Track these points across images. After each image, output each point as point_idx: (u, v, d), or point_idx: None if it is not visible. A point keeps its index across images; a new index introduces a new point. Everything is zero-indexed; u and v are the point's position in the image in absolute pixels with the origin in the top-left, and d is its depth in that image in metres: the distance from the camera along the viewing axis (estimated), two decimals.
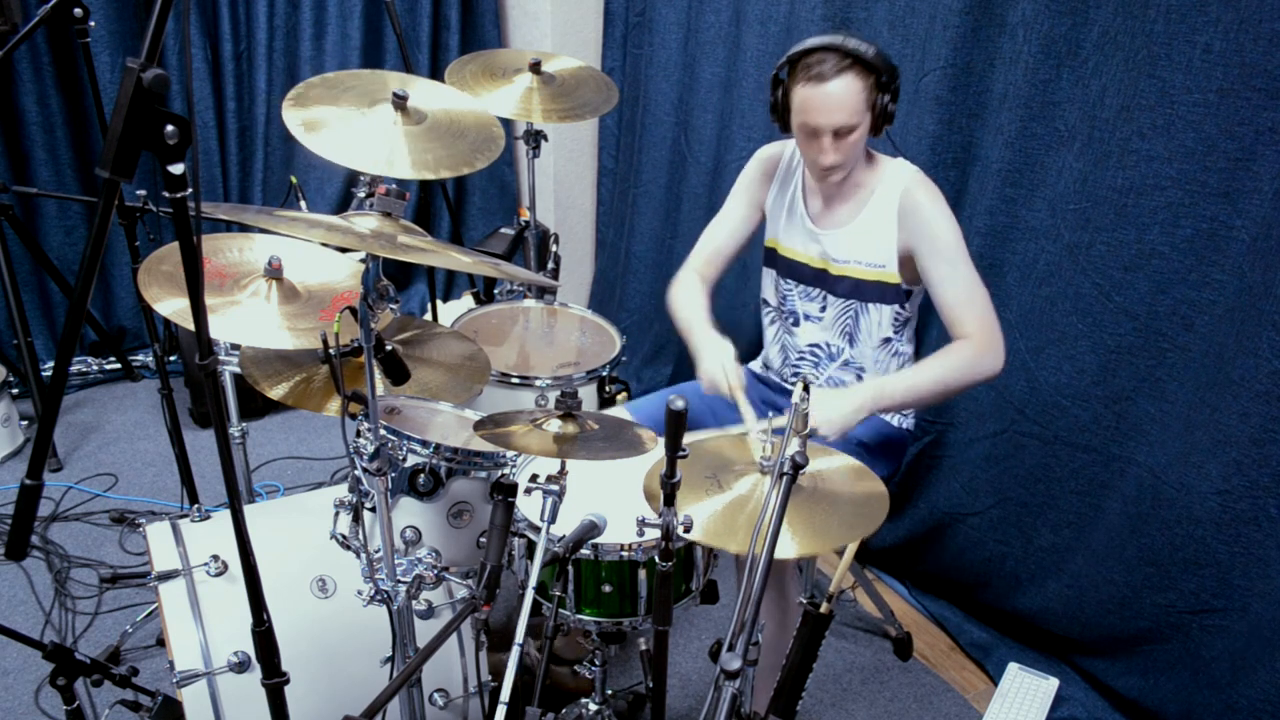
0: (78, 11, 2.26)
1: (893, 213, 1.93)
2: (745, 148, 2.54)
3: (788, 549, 1.36)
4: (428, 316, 3.19)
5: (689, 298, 2.15)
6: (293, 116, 1.52)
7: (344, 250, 1.80)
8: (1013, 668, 2.34)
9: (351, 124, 1.55)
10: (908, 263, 1.97)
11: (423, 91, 1.68)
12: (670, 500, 1.35)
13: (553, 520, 1.52)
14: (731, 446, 1.64)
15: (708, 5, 3.06)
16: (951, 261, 1.91)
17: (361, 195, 2.09)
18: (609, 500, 1.80)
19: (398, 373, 1.53)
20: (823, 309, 2.09)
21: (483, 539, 1.62)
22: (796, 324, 2.15)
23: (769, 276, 2.20)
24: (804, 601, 1.52)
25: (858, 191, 1.99)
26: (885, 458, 2.14)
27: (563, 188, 3.80)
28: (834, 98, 1.82)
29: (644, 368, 3.68)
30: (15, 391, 3.33)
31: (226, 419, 2.36)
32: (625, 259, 3.72)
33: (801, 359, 2.17)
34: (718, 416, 2.14)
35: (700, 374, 2.00)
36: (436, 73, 3.75)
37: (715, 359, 1.97)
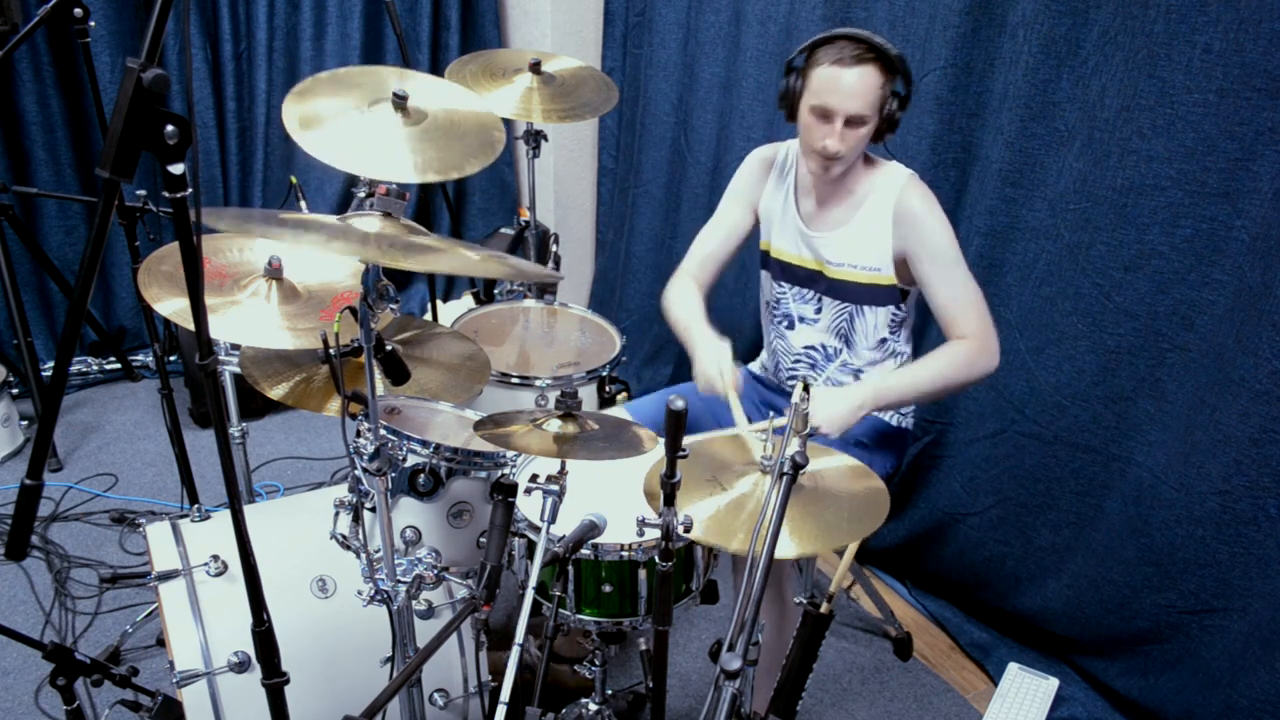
0: (78, 11, 2.25)
1: (888, 217, 1.93)
2: (745, 148, 2.53)
3: (788, 549, 1.36)
4: (428, 316, 3.19)
5: (684, 298, 2.14)
6: (291, 111, 1.51)
7: None
8: (1013, 668, 2.34)
9: (351, 124, 1.54)
10: (903, 265, 1.98)
11: (423, 88, 1.67)
12: (670, 500, 1.35)
13: (553, 520, 1.52)
14: (731, 447, 1.64)
15: (708, 5, 3.06)
16: (946, 265, 1.92)
17: (361, 195, 2.08)
18: (609, 500, 1.79)
19: (398, 373, 1.53)
20: (818, 311, 2.09)
21: (483, 539, 1.62)
22: (791, 326, 2.15)
23: (765, 279, 2.20)
24: (803, 601, 1.52)
25: (851, 195, 1.99)
26: (885, 456, 2.14)
27: (563, 188, 3.80)
28: (854, 84, 1.83)
29: (644, 368, 3.68)
30: (15, 391, 3.33)
31: (226, 419, 2.36)
32: (625, 259, 3.72)
33: (798, 361, 2.17)
34: (717, 418, 2.13)
35: (696, 374, 1.99)
36: (436, 73, 3.73)
37: (711, 358, 1.97)
